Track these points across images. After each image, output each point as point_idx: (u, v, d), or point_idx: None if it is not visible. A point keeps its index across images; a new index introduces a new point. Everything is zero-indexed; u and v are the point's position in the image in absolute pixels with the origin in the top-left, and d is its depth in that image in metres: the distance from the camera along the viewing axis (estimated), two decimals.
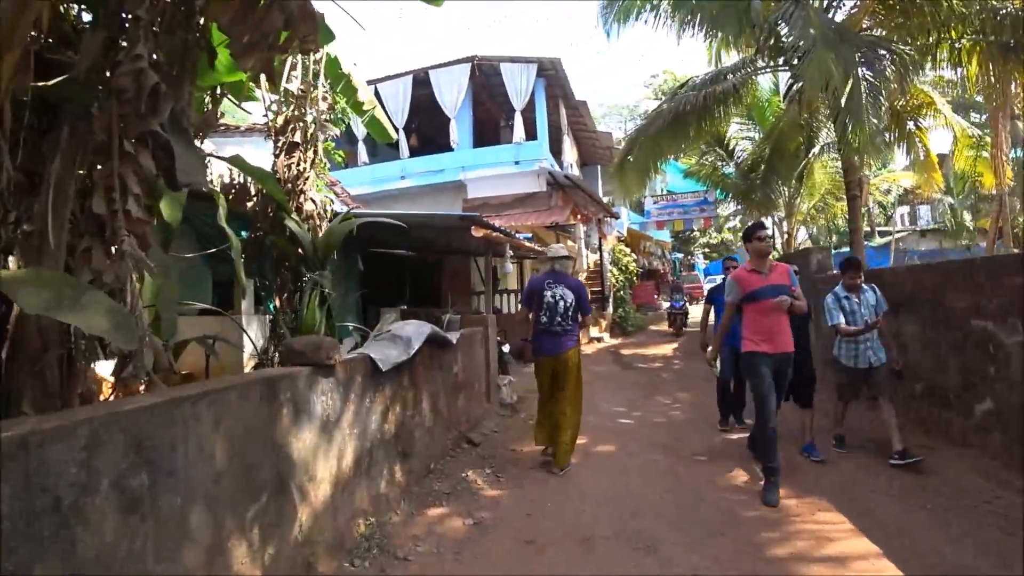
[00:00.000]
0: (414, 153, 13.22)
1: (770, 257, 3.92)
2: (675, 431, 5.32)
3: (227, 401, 1.95)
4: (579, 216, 12.74)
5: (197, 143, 3.37)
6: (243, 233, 4.17)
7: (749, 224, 4.20)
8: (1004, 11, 7.43)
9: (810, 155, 12.43)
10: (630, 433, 5.32)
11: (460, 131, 12.54)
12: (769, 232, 3.93)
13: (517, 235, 8.92)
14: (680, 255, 32.32)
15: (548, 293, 4.27)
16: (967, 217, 18.66)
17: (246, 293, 4.97)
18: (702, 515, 3.35)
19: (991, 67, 7.98)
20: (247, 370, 4.23)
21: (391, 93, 12.20)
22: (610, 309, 15.20)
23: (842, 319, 4.27)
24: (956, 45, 7.99)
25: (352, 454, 2.81)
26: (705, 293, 27.66)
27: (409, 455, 3.55)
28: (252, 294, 5.38)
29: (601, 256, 15.47)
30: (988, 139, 10.40)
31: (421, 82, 12.31)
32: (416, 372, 3.81)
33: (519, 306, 13.29)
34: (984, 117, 13.81)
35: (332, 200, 6.11)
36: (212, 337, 3.11)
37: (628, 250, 18.33)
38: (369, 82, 8.28)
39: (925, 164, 10.76)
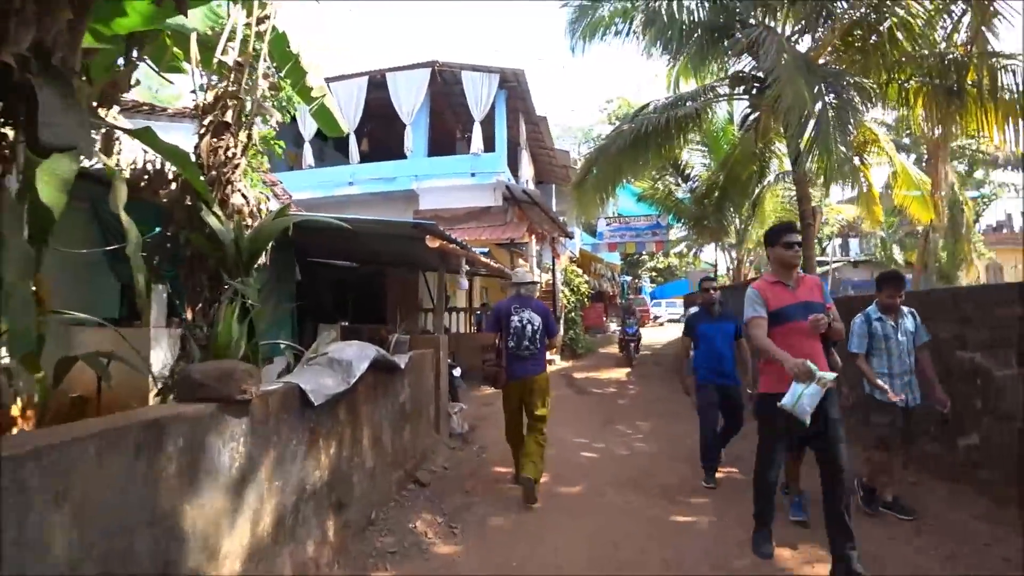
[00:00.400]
0: (365, 159, 12.50)
1: (797, 270, 3.04)
2: (643, 465, 4.90)
3: (79, 460, 1.31)
4: (534, 234, 12.40)
5: (103, 113, 2.69)
6: (158, 229, 3.46)
7: (775, 224, 3.34)
8: (951, 56, 7.77)
9: (763, 184, 12.69)
10: (596, 468, 4.86)
11: (415, 138, 11.97)
12: (800, 238, 3.09)
13: (474, 250, 8.40)
14: (628, 278, 32.73)
15: (515, 318, 4.16)
16: (896, 250, 19.81)
17: (151, 301, 4.18)
18: (691, 569, 2.92)
19: (935, 108, 8.34)
20: (151, 399, 3.45)
21: (345, 94, 11.48)
22: (560, 330, 14.86)
23: (864, 348, 3.56)
24: (905, 85, 8.31)
25: (272, 514, 2.17)
26: (653, 316, 27.63)
27: (345, 505, 2.92)
28: (165, 303, 4.56)
29: (554, 276, 15.16)
30: (926, 177, 10.91)
31: (377, 85, 11.69)
32: (357, 403, 3.19)
33: (470, 326, 12.72)
34: (913, 159, 14.74)
35: (268, 199, 5.41)
36: (106, 355, 2.42)
37: (580, 271, 18.16)
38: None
39: (867, 198, 11.17)
